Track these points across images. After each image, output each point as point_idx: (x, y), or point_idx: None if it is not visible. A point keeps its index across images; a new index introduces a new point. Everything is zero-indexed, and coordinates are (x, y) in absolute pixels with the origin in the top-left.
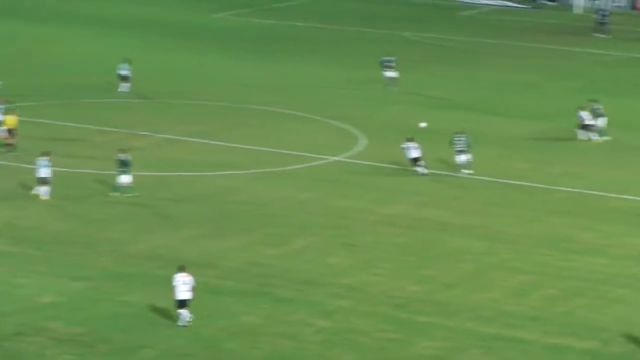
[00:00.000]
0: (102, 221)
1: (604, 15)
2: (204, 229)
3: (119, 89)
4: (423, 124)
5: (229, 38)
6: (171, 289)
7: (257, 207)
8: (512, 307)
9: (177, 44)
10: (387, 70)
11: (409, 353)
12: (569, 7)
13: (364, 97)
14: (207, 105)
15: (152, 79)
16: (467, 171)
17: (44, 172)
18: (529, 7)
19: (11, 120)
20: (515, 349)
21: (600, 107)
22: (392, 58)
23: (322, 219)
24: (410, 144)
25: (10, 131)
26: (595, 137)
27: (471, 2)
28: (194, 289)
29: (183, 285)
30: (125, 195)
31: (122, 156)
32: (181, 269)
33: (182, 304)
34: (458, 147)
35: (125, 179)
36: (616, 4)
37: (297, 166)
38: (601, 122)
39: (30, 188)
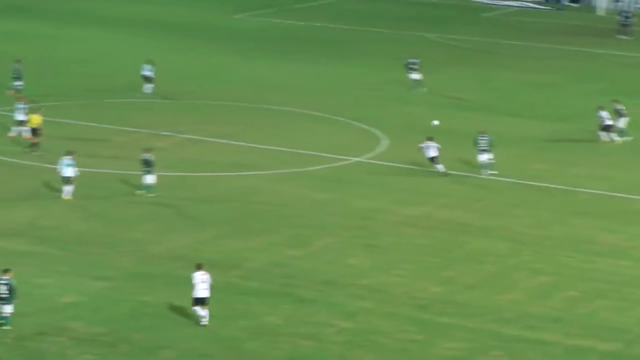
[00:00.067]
0: (124, 221)
1: (627, 17)
2: (225, 230)
3: (143, 90)
4: (436, 122)
5: (250, 39)
6: (192, 287)
7: (279, 208)
8: (533, 309)
9: (199, 45)
10: (411, 73)
11: (431, 354)
12: (592, 9)
13: (386, 98)
14: (229, 106)
15: (174, 79)
16: (490, 171)
17: (68, 171)
18: (552, 8)
19: (36, 119)
20: (537, 350)
21: (623, 107)
22: (417, 60)
23: (344, 220)
24: (431, 144)
25: (34, 131)
26: (615, 137)
27: (495, 3)
28: (212, 287)
29: (202, 284)
30: (148, 195)
31: (146, 156)
32: (199, 267)
33: (201, 301)
34: (481, 147)
35: (149, 178)
36: (639, 6)
37: (319, 167)
38: (622, 122)
39: (54, 188)
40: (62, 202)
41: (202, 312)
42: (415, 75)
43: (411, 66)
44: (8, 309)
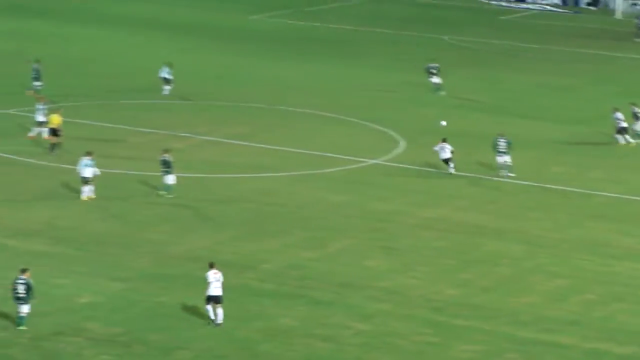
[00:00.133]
0: (142, 222)
1: None
2: (242, 231)
3: (163, 92)
4: (443, 123)
5: (267, 40)
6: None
7: (295, 210)
8: (550, 312)
9: (215, 46)
10: (432, 77)
11: (447, 356)
12: (610, 12)
13: (403, 99)
14: (246, 107)
15: (191, 80)
16: (508, 173)
17: (87, 172)
18: (570, 11)
19: (56, 120)
20: (553, 353)
21: (639, 110)
22: (436, 65)
23: (360, 222)
24: (446, 145)
25: (54, 131)
26: (630, 140)
27: (513, 6)
28: (224, 286)
29: (216, 282)
30: (168, 195)
31: (165, 156)
32: (211, 265)
33: (214, 299)
34: (500, 149)
35: (169, 179)
36: None
37: (336, 169)
38: (639, 125)
39: (72, 188)
40: (80, 203)
41: (214, 313)
42: (436, 79)
43: (431, 70)
44: (25, 309)
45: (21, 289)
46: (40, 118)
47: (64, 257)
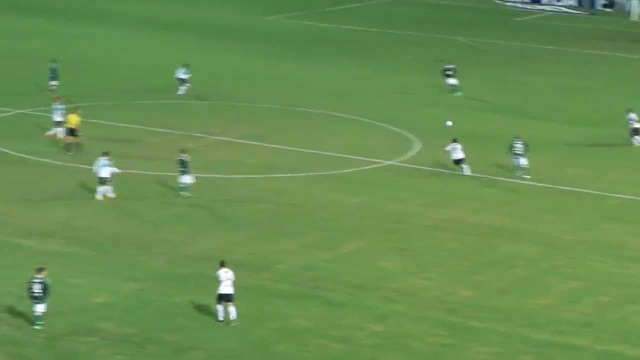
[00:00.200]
0: (157, 222)
1: None
2: (256, 231)
3: (178, 92)
4: (449, 123)
5: (282, 41)
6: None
7: (310, 210)
8: (564, 314)
9: (231, 47)
10: (448, 78)
11: (461, 358)
12: (626, 14)
13: (418, 100)
14: (261, 108)
15: (206, 81)
16: (524, 175)
17: (104, 172)
18: (586, 13)
19: (74, 120)
20: (567, 355)
21: None
22: (452, 66)
23: (375, 223)
24: (458, 145)
25: (72, 131)
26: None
27: (528, 7)
28: (235, 284)
29: (227, 281)
30: (186, 195)
31: (182, 156)
32: (222, 264)
33: (226, 298)
34: (517, 151)
35: (185, 178)
36: None
37: (351, 170)
38: None
39: (88, 188)
40: (95, 203)
41: (226, 311)
42: (452, 80)
43: (447, 72)
44: (40, 308)
45: (37, 288)
46: (58, 118)
47: (79, 257)
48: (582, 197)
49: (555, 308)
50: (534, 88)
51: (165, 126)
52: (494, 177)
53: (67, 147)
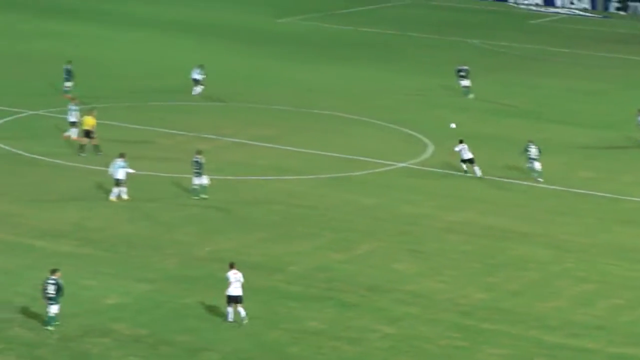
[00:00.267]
0: (170, 224)
1: None
2: (269, 233)
3: (193, 93)
4: (453, 125)
5: (297, 42)
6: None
7: (323, 212)
8: (577, 316)
9: (244, 49)
10: (461, 80)
11: None
12: None
13: (431, 103)
14: (274, 110)
15: (219, 82)
16: (537, 179)
17: (120, 173)
18: (600, 16)
19: (90, 121)
20: (580, 358)
21: None
22: (466, 67)
23: (388, 225)
24: (465, 146)
25: (87, 133)
26: None
27: (542, 10)
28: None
29: (236, 282)
30: (202, 196)
31: (197, 158)
32: (232, 265)
33: (234, 299)
34: (531, 155)
35: (202, 180)
36: None
37: (364, 172)
38: None
39: (102, 189)
40: (109, 204)
41: (232, 314)
42: (465, 82)
43: (461, 73)
44: (54, 309)
45: (51, 289)
46: (72, 118)
47: (92, 258)
48: (595, 200)
49: (568, 311)
50: (548, 91)
51: (178, 128)
52: (507, 180)
53: (81, 148)
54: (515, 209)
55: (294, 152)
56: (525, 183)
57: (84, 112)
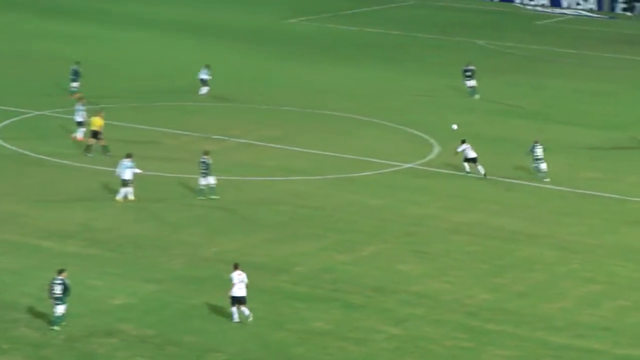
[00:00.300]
0: (176, 224)
1: None
2: (275, 234)
3: (199, 93)
4: (455, 126)
5: (304, 43)
6: (231, 286)
7: (330, 213)
8: (583, 317)
9: (251, 49)
10: (467, 80)
11: None
12: None
13: (438, 104)
14: (281, 110)
15: (226, 83)
16: (544, 179)
17: (127, 174)
18: (606, 17)
19: (97, 122)
20: (586, 359)
21: None
22: (472, 67)
23: (394, 226)
24: (468, 145)
25: (95, 133)
26: None
27: (548, 11)
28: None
29: (240, 283)
30: (210, 197)
31: (205, 158)
32: (236, 266)
33: (238, 300)
34: (537, 156)
35: (209, 180)
36: None
37: (370, 172)
38: None
39: (108, 189)
40: (115, 204)
41: (237, 315)
42: (471, 82)
43: (467, 73)
44: (61, 309)
45: (58, 289)
46: (79, 119)
47: (98, 258)
48: (601, 201)
49: (574, 312)
50: (554, 91)
51: (185, 128)
52: (514, 180)
53: (88, 148)
54: (521, 210)
55: (301, 152)
56: (531, 184)
57: (91, 113)
